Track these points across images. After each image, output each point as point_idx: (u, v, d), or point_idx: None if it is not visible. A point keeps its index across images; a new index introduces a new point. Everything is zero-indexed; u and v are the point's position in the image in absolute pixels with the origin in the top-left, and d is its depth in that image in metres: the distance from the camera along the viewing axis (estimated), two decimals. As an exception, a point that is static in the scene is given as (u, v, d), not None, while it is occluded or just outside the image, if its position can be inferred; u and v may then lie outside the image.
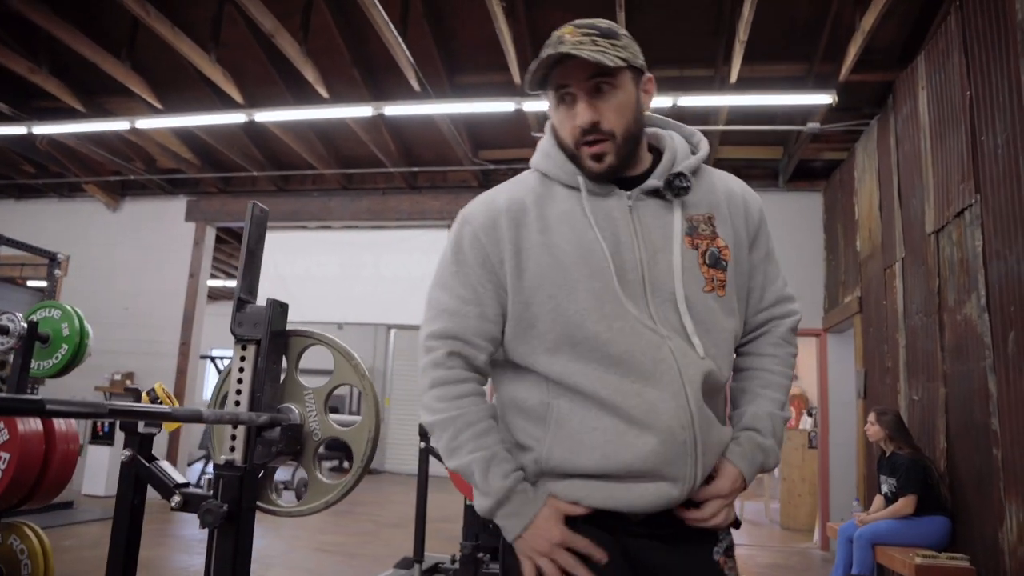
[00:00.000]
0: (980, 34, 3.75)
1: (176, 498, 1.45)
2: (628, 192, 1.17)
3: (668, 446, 1.07)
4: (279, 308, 1.54)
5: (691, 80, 5.70)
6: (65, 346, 2.78)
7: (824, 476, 6.47)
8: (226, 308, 15.11)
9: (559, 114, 1.17)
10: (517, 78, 5.29)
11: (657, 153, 1.23)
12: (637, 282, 1.12)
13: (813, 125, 5.63)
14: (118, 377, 7.92)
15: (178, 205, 8.33)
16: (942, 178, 4.18)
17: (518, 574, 1.13)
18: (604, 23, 1.15)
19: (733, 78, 5.11)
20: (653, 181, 1.16)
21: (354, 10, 4.77)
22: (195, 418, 1.29)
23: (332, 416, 1.55)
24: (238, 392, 1.50)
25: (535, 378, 1.16)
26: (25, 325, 2.63)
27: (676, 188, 1.15)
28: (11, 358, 2.64)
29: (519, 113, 5.60)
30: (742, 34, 4.54)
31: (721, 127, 5.93)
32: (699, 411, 1.10)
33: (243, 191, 8.24)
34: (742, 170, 6.77)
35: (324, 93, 5.58)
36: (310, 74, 5.32)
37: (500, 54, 5.07)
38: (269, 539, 5.91)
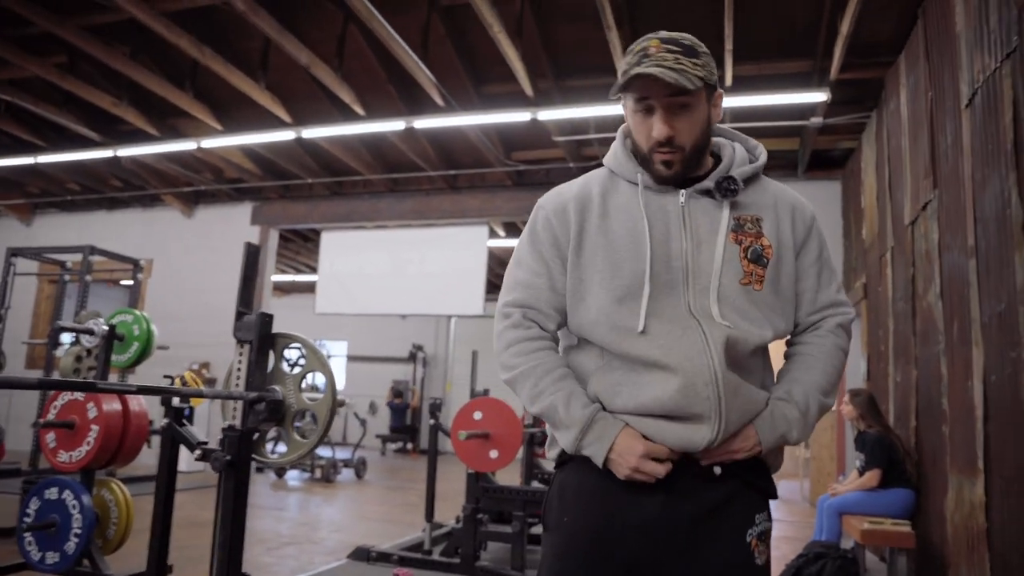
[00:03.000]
0: (935, 40, 4.03)
1: (197, 451, 2.07)
2: (683, 190, 1.28)
3: (690, 392, 1.16)
4: (266, 317, 2.15)
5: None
6: (136, 343, 3.51)
7: (840, 455, 6.74)
8: (294, 300, 15.89)
9: (636, 119, 1.27)
10: (529, 91, 5.79)
11: (718, 160, 1.33)
12: (680, 269, 1.23)
13: (816, 120, 5.91)
14: (195, 367, 8.89)
15: (244, 210, 9.22)
16: (915, 173, 4.45)
17: (549, 560, 1.27)
18: (687, 39, 1.24)
19: (728, 80, 5.46)
20: (706, 183, 1.27)
21: (383, 35, 5.36)
22: (199, 395, 1.92)
23: (305, 394, 2.15)
24: (238, 378, 2.12)
25: (591, 348, 1.29)
26: (106, 328, 3.37)
27: (724, 189, 1.26)
28: (96, 353, 3.38)
29: (536, 121, 6.10)
30: (728, 43, 4.92)
31: (728, 125, 6.25)
32: (724, 373, 1.17)
33: (301, 196, 9.05)
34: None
35: (360, 111, 6.23)
36: (346, 96, 5.98)
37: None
38: (323, 508, 6.69)
